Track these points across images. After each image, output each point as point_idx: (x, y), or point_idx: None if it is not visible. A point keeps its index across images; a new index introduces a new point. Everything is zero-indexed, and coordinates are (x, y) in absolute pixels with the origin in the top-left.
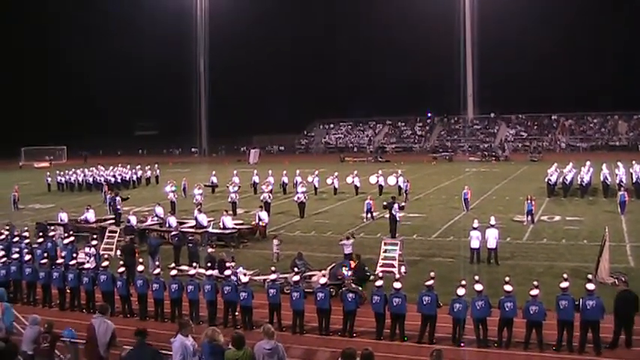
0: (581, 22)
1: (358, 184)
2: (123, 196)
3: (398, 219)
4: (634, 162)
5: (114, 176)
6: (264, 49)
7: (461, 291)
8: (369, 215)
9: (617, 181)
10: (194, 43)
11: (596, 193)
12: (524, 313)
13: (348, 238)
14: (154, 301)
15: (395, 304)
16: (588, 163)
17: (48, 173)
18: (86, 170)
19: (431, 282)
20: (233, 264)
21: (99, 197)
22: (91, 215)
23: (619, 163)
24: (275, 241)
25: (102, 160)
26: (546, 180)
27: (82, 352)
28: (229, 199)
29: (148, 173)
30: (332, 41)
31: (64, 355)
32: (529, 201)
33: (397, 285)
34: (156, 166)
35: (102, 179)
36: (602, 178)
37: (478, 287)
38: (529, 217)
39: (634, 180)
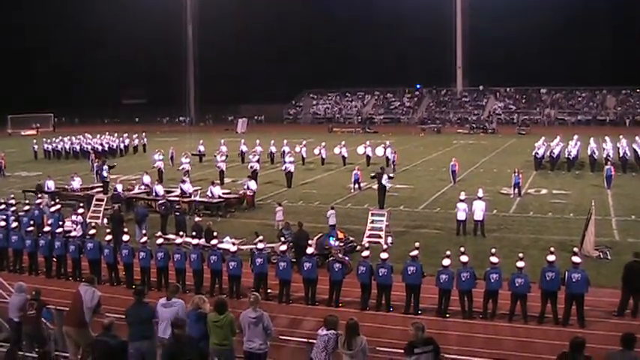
0: None
1: (346, 155)
2: (110, 164)
3: (387, 189)
4: (621, 136)
5: (101, 144)
6: (253, 18)
7: (446, 261)
8: (357, 186)
9: (605, 156)
10: (182, 11)
11: (583, 167)
12: (509, 285)
13: (332, 208)
14: (141, 270)
15: (381, 274)
16: (576, 137)
17: (35, 141)
18: (73, 138)
19: (415, 252)
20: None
21: (86, 165)
22: (76, 183)
23: (606, 138)
24: (280, 209)
25: (88, 129)
26: (533, 153)
27: (65, 317)
28: (217, 168)
29: (136, 142)
30: (321, 11)
31: (50, 322)
32: (516, 174)
33: (384, 255)
34: (143, 134)
35: (89, 147)
36: (589, 152)
37: (464, 259)
38: (516, 190)
39: (621, 155)
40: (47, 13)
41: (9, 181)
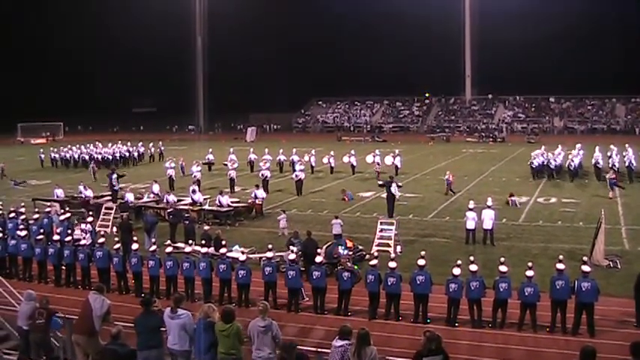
0: (580, 4)
1: (355, 164)
2: (120, 173)
3: (397, 197)
4: (627, 145)
5: (112, 154)
6: (262, 26)
7: (456, 271)
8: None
9: (610, 165)
10: (192, 20)
11: (588, 176)
12: (518, 295)
13: (337, 217)
14: (150, 278)
15: (390, 283)
16: (578, 145)
17: (42, 150)
18: (83, 147)
19: (422, 262)
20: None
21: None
22: (90, 192)
23: (612, 147)
24: (283, 216)
25: (99, 137)
26: (529, 163)
27: (74, 326)
28: (228, 176)
29: (152, 150)
30: (330, 20)
31: (58, 330)
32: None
33: (392, 264)
34: (160, 143)
35: (99, 157)
36: (593, 162)
37: (473, 268)
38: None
39: (626, 164)
40: (60, 23)
41: (19, 189)
